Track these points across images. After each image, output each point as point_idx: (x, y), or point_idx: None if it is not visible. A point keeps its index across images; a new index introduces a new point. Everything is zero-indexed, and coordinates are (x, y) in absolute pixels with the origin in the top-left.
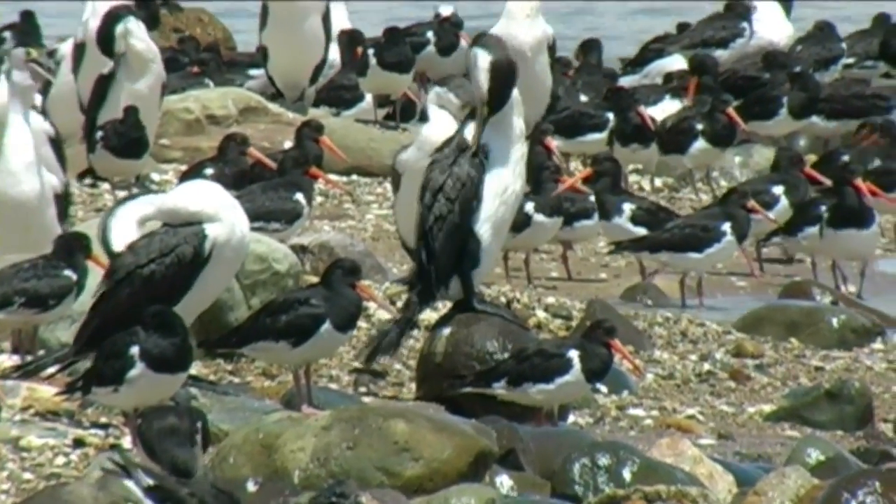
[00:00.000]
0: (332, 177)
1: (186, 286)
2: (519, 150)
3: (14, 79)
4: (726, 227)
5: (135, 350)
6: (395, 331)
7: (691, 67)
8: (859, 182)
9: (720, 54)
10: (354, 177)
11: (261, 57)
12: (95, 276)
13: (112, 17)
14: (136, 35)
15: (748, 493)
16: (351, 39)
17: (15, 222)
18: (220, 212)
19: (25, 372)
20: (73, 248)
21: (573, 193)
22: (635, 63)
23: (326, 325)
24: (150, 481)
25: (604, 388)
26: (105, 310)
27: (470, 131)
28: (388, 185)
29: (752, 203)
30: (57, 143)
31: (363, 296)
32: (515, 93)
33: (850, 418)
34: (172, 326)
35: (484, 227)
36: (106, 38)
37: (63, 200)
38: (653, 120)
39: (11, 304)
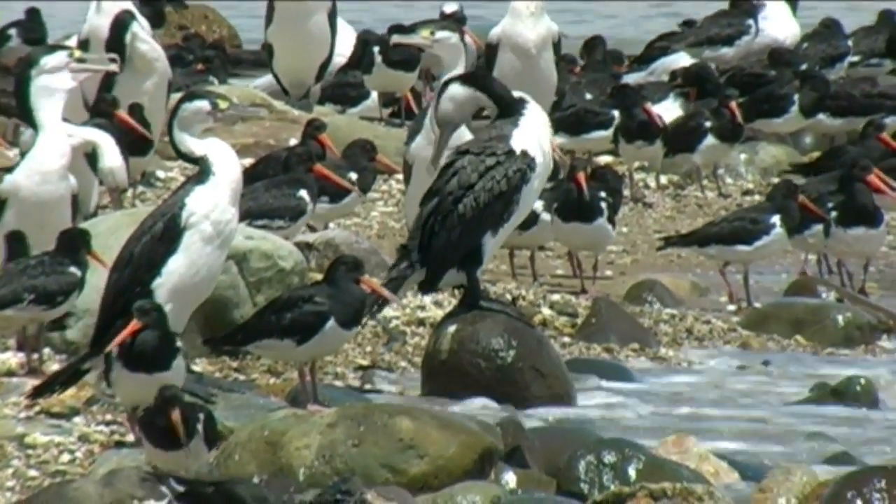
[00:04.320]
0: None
1: (162, 261)
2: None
3: (44, 83)
4: (776, 219)
5: (114, 349)
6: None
7: (688, 80)
8: (872, 178)
9: (726, 51)
10: None
11: (266, 54)
12: (94, 273)
13: (120, 25)
14: (139, 37)
15: (754, 490)
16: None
17: (34, 220)
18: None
19: (40, 393)
20: (76, 245)
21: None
22: (641, 60)
23: (331, 323)
24: (180, 488)
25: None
26: (101, 303)
27: (515, 136)
28: (394, 183)
29: (802, 198)
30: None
31: (368, 290)
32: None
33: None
34: (156, 323)
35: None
36: (118, 48)
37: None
38: (660, 117)
39: (21, 300)
